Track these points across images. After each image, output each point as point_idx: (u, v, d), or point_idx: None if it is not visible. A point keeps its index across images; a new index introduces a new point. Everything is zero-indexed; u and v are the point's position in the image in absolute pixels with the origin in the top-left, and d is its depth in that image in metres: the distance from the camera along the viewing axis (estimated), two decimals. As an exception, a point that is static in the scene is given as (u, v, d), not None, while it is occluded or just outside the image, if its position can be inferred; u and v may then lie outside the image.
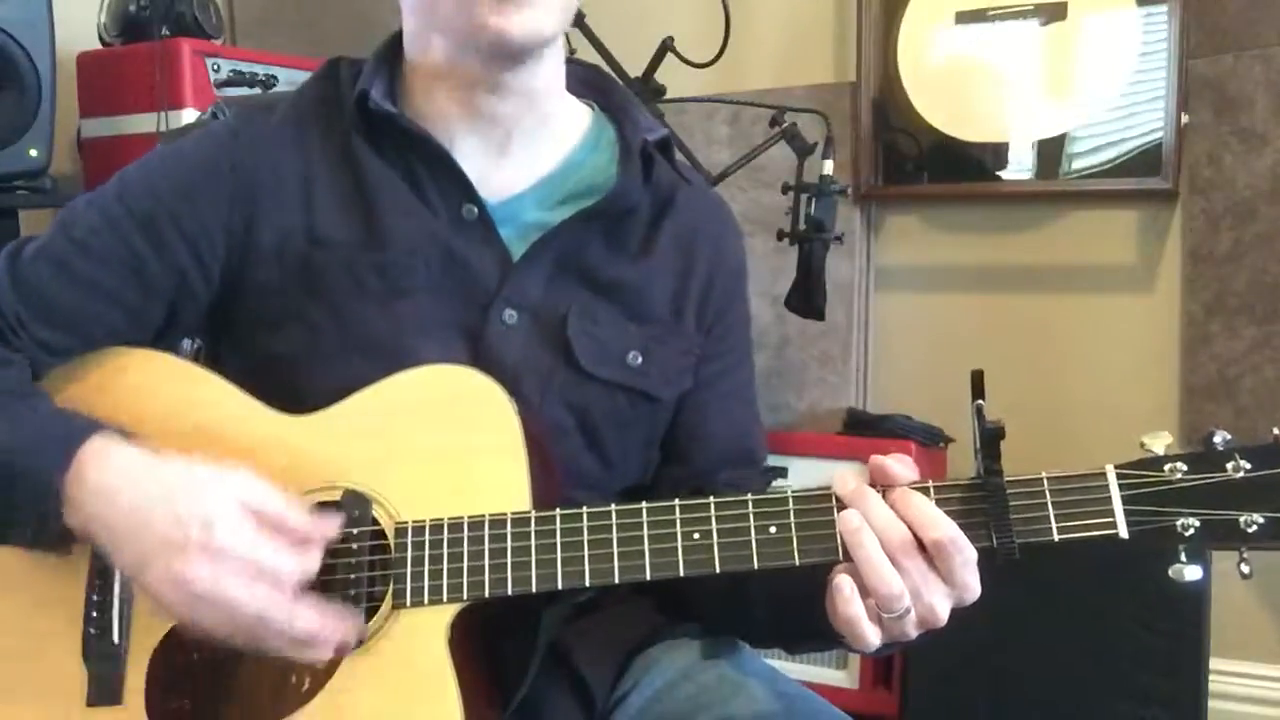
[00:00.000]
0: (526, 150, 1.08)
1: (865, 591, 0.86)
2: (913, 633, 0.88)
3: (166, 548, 0.86)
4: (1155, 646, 1.95)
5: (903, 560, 0.86)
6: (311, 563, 0.89)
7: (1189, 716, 1.95)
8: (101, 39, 2.51)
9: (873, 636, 0.87)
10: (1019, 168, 2.46)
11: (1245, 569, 0.87)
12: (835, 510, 0.89)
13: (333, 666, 0.92)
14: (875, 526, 0.87)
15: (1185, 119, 2.27)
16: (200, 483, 0.89)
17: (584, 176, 1.09)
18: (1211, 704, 1.99)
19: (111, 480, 0.89)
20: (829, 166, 2.06)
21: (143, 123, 2.36)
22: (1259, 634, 2.30)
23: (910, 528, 0.86)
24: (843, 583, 0.87)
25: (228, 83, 2.39)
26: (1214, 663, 2.00)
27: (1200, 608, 1.94)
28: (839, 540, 0.88)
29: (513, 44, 0.99)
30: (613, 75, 1.18)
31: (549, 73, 1.06)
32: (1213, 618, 1.97)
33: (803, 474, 2.31)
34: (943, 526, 0.86)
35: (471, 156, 1.05)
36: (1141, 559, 1.82)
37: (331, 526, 0.90)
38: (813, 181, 2.06)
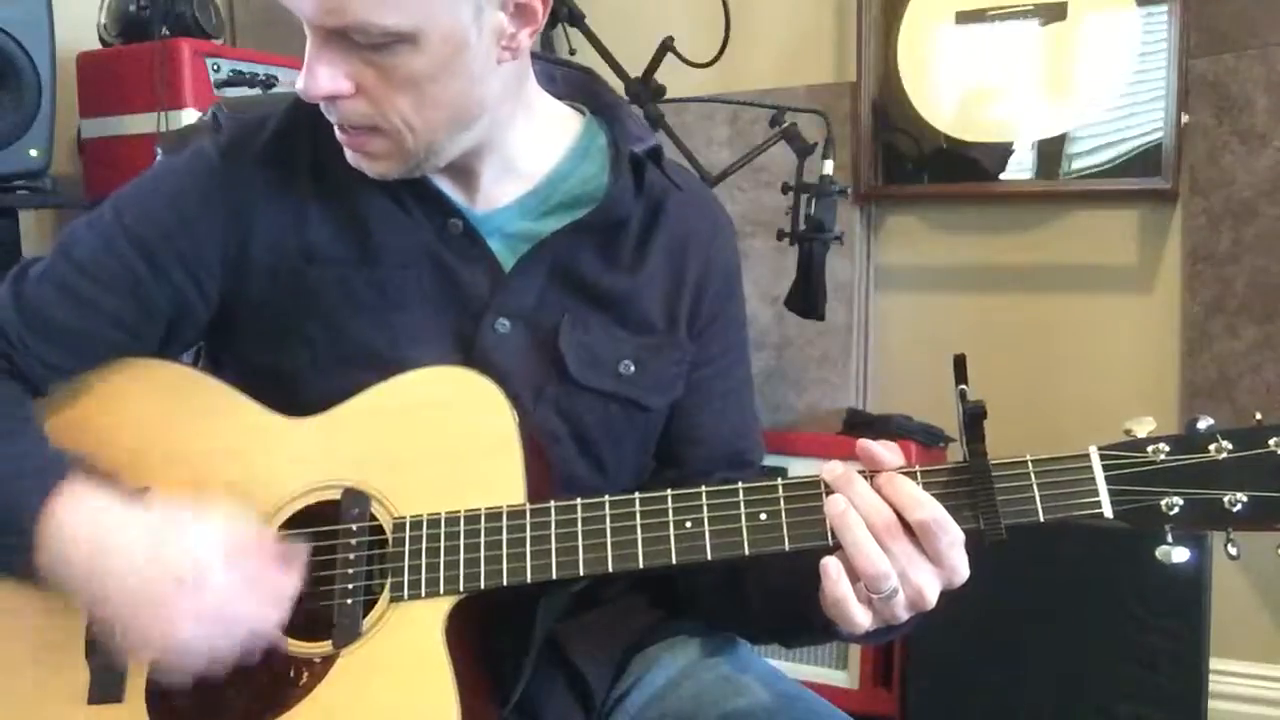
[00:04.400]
0: (501, 173, 1.07)
1: (854, 575, 0.87)
2: (903, 615, 0.88)
3: (158, 593, 0.88)
4: (1155, 646, 1.95)
5: (889, 542, 0.86)
6: (297, 581, 0.92)
7: (1189, 716, 1.95)
8: (101, 39, 2.51)
9: (861, 618, 0.88)
10: (1019, 168, 2.46)
11: (1233, 550, 0.88)
12: (824, 496, 0.90)
13: (332, 661, 0.92)
14: (861, 509, 0.87)
15: (1185, 119, 2.27)
16: (182, 525, 0.90)
17: (572, 186, 1.09)
18: (1211, 704, 1.99)
19: (86, 526, 0.90)
20: (829, 166, 2.05)
21: (143, 123, 2.37)
22: (1259, 634, 2.30)
23: (895, 509, 0.87)
24: (829, 564, 0.87)
25: (228, 83, 2.40)
26: (1214, 663, 2.00)
27: (1200, 607, 1.94)
28: (828, 524, 0.89)
29: (371, 176, 1.02)
30: (601, 79, 1.18)
31: (481, 135, 1.03)
32: (1213, 618, 1.96)
33: (802, 474, 2.30)
34: (927, 507, 0.86)
35: (450, 174, 1.06)
36: (1140, 560, 1.82)
37: (301, 550, 0.93)
38: (813, 181, 2.06)
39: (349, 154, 1.01)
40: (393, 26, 0.91)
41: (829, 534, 0.89)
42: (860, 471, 0.90)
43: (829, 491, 0.90)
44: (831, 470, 0.90)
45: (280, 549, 0.92)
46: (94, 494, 0.92)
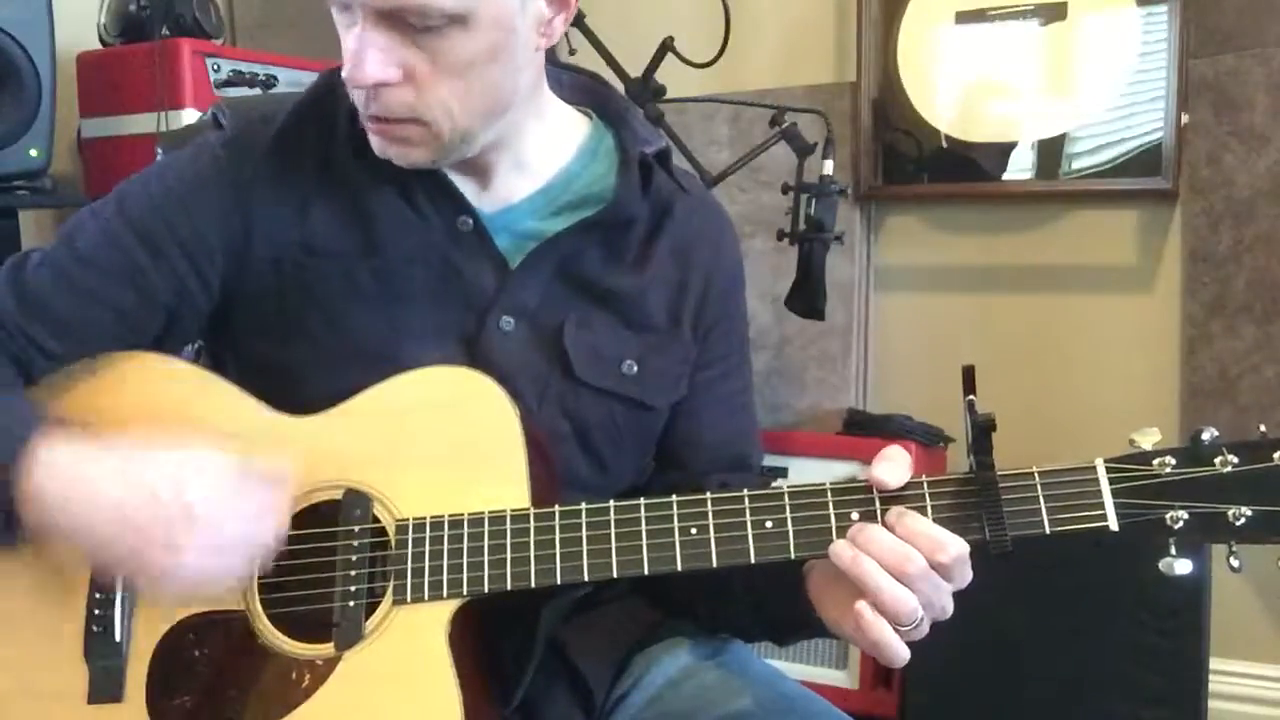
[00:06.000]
0: (516, 168, 1.07)
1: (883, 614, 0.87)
2: (926, 630, 0.89)
3: (151, 537, 0.87)
4: (1155, 646, 1.95)
5: (912, 582, 0.87)
6: (284, 525, 0.92)
7: (1189, 716, 1.95)
8: (101, 39, 2.51)
9: (903, 650, 0.88)
10: (1019, 168, 2.45)
11: (1235, 562, 0.88)
12: (877, 509, 0.90)
13: (334, 664, 0.92)
14: (875, 554, 0.87)
15: (1185, 119, 2.27)
16: (157, 450, 0.91)
17: (581, 187, 1.09)
18: (1211, 704, 1.99)
19: (62, 464, 0.90)
20: (829, 166, 2.05)
21: (143, 123, 2.36)
22: (1259, 634, 2.30)
23: (918, 550, 0.87)
24: (864, 610, 0.87)
25: (228, 83, 2.39)
26: (1214, 663, 2.00)
27: (1200, 607, 1.94)
28: (834, 535, 0.90)
29: (399, 165, 1.01)
30: (609, 84, 1.18)
31: (502, 129, 1.03)
32: (1213, 618, 1.97)
33: (803, 474, 2.31)
34: (950, 549, 0.87)
35: (463, 171, 1.06)
36: (1140, 560, 1.82)
37: (286, 470, 0.94)
38: (813, 181, 2.06)
39: (378, 142, 1.00)
40: (450, 8, 0.91)
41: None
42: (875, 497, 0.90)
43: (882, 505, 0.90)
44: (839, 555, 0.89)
45: (266, 468, 0.92)
46: (68, 439, 0.92)
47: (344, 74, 0.95)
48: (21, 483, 0.89)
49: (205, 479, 0.89)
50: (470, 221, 1.05)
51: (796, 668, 2.31)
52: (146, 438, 0.93)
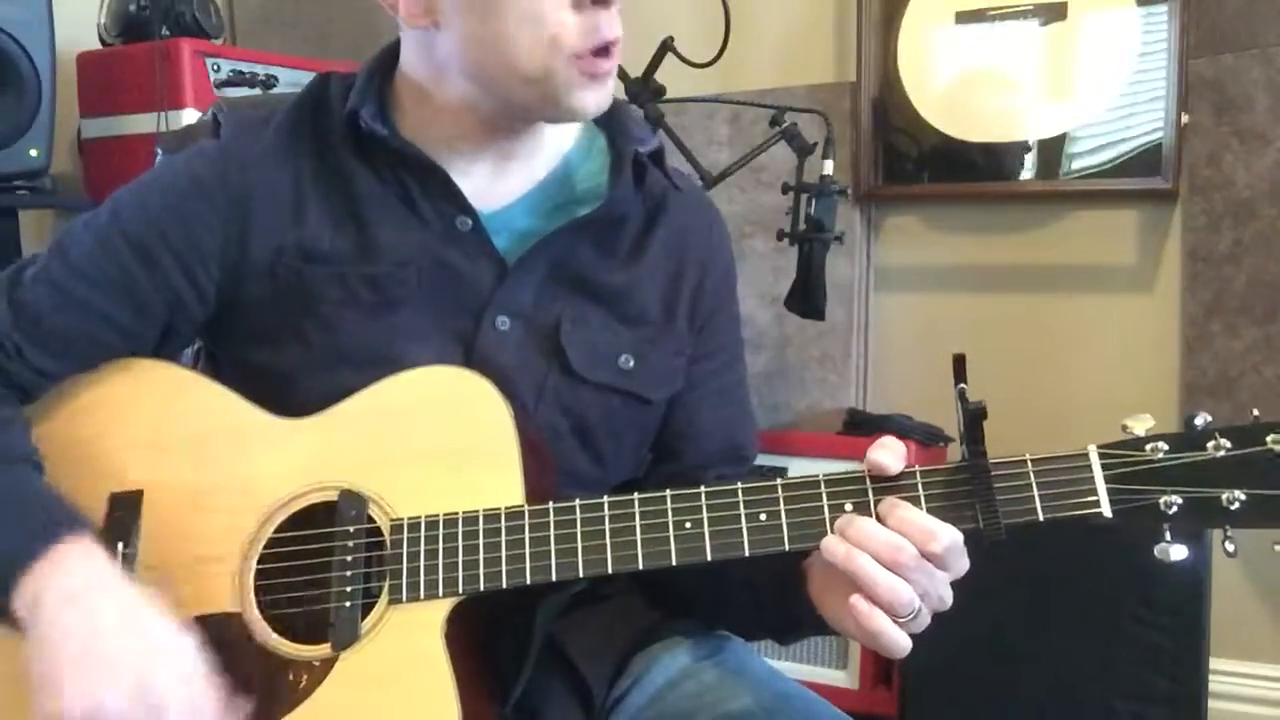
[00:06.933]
0: (521, 165, 1.08)
1: (879, 605, 0.87)
2: (927, 621, 0.89)
3: (105, 657, 0.85)
4: (1155, 645, 1.95)
5: (906, 572, 0.86)
6: None
7: (1189, 716, 1.95)
8: (101, 39, 2.51)
9: (903, 640, 0.88)
10: (1019, 168, 2.45)
11: (1230, 547, 0.88)
12: (870, 500, 0.90)
13: (330, 664, 0.92)
14: (869, 547, 0.87)
15: (1185, 119, 2.27)
16: (156, 621, 0.89)
17: (575, 184, 1.10)
18: (1211, 704, 1.99)
19: (70, 588, 0.88)
20: (829, 166, 2.05)
21: (143, 123, 2.37)
22: (1259, 634, 2.30)
23: (910, 541, 0.87)
24: (858, 602, 0.87)
25: (228, 83, 2.40)
26: (1214, 663, 2.00)
27: (1200, 605, 1.94)
28: (828, 526, 0.90)
29: (584, 118, 1.03)
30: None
31: None
32: (1213, 618, 1.96)
33: (802, 474, 2.30)
34: (941, 538, 0.86)
35: (466, 172, 1.06)
36: (1140, 558, 1.82)
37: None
38: (813, 181, 2.06)
39: (596, 93, 1.00)
40: None
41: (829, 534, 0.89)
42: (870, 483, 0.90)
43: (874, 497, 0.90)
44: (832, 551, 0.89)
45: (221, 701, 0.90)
46: (84, 555, 0.91)
47: None
48: (34, 576, 0.89)
49: (173, 676, 0.87)
50: (469, 222, 1.05)
51: (796, 668, 2.31)
52: (156, 603, 0.91)
